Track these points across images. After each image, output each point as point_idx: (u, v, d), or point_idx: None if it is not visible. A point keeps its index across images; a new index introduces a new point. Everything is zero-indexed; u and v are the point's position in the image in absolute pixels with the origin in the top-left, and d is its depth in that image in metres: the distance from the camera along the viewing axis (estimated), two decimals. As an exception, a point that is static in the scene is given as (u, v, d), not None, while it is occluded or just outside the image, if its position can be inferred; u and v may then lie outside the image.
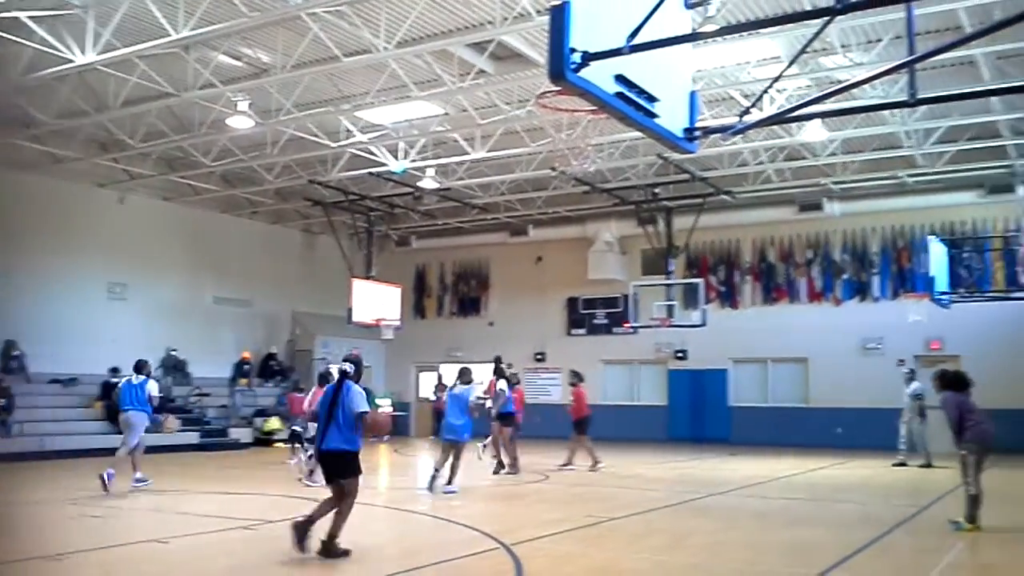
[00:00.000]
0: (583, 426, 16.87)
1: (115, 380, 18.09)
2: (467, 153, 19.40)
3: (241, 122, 16.58)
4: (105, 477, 12.06)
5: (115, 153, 20.08)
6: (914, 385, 17.80)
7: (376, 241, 24.68)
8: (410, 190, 22.62)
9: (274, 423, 23.49)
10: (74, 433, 19.17)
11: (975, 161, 20.17)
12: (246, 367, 24.95)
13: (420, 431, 28.66)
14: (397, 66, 15.11)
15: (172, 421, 21.28)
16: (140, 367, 13.39)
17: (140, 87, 15.79)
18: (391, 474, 17.83)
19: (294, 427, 17.05)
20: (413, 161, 19.95)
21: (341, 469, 8.16)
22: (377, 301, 23.49)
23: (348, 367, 8.57)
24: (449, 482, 13.08)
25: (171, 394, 22.64)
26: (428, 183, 21.44)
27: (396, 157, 19.87)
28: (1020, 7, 10.36)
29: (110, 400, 18.32)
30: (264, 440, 23.09)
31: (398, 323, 24.30)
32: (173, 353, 23.35)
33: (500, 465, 15.83)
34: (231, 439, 22.49)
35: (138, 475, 12.84)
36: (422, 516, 11.04)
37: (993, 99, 16.54)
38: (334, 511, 8.04)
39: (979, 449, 9.46)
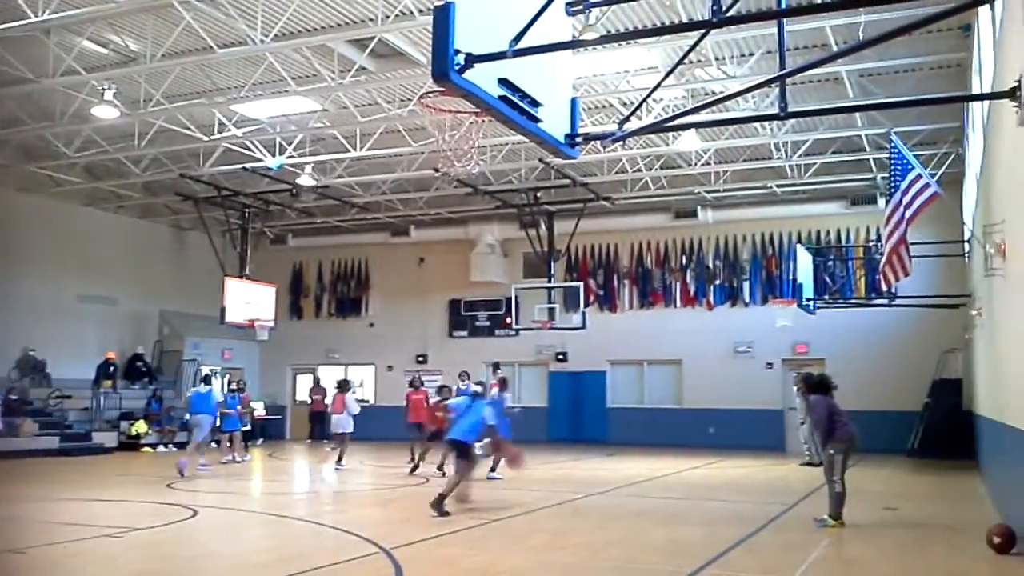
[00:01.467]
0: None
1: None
2: (347, 151, 19.09)
3: (106, 112, 15.78)
4: (180, 465, 15.67)
5: (-34, 141, 18.83)
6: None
7: (251, 239, 23.94)
8: (287, 187, 22.05)
9: (141, 426, 22.55)
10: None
11: (840, 173, 21.18)
12: (111, 368, 23.81)
13: (296, 434, 28.00)
14: (274, 60, 14.71)
15: (29, 425, 20.11)
16: (207, 379, 18.36)
17: (-4, 71, 14.87)
18: (265, 479, 17.35)
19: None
20: (290, 157, 19.48)
21: (464, 452, 11.08)
22: (251, 301, 22.79)
23: (478, 388, 12.40)
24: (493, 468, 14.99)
25: (28, 396, 21.44)
26: (306, 180, 20.95)
27: (273, 153, 19.37)
28: (883, 28, 10.94)
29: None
30: (130, 444, 22.11)
31: (273, 324, 23.66)
32: (31, 353, 22.11)
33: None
34: (95, 443, 21.45)
35: (203, 460, 17.05)
36: (299, 522, 10.78)
37: (857, 115, 17.41)
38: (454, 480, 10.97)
39: (847, 448, 9.96)
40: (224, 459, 18.63)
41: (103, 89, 15.29)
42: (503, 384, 15.65)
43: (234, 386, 20.55)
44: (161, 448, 22.54)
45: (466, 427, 11.28)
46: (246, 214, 23.78)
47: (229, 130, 17.97)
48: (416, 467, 16.10)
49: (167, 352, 26.44)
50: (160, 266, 26.38)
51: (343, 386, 18.25)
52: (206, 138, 18.30)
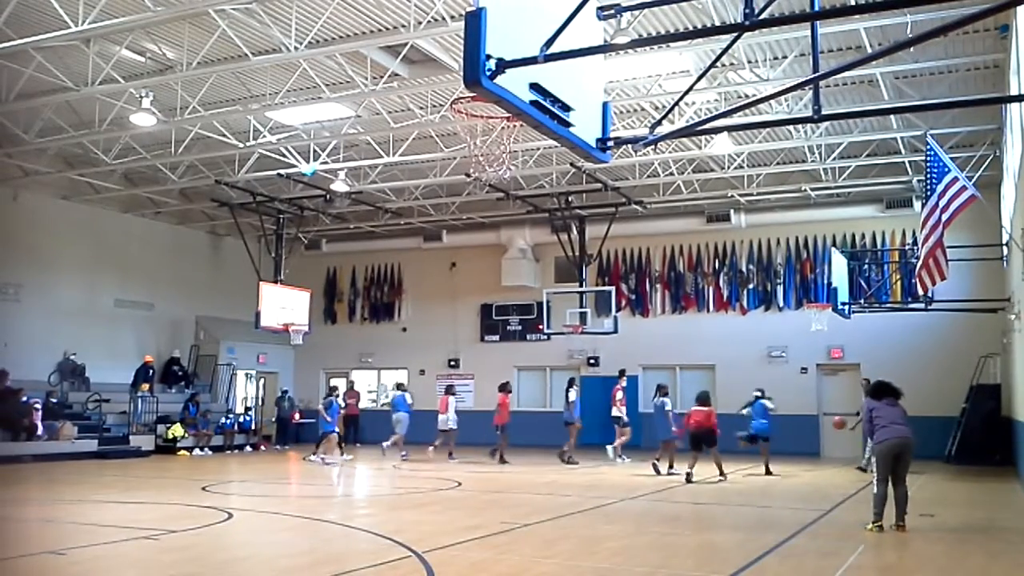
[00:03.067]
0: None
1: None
2: (380, 157, 19.21)
3: (144, 119, 16.04)
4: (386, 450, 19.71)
5: (8, 148, 19.16)
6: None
7: (285, 244, 24.17)
8: (321, 193, 22.25)
9: (177, 430, 22.80)
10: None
11: (875, 176, 20.97)
12: (150, 372, 24.14)
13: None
14: (308, 67, 14.87)
15: (68, 428, 20.44)
16: (400, 386, 22.19)
17: (36, 80, 15.17)
18: (300, 483, 17.49)
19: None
20: (324, 163, 19.65)
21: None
22: (286, 305, 22.98)
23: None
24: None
25: (68, 400, 21.81)
26: (339, 186, 21.14)
27: (306, 159, 19.55)
28: (918, 30, 10.86)
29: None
30: (167, 448, 22.39)
31: (307, 328, 23.85)
32: (71, 358, 22.46)
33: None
34: (132, 447, 21.73)
35: (404, 453, 20.25)
36: (332, 525, 10.84)
37: (892, 117, 17.23)
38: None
39: (887, 452, 9.88)
40: (311, 458, 19.81)
41: (141, 97, 15.56)
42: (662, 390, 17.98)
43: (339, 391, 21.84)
44: (197, 451, 22.80)
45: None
46: (281, 220, 24.02)
47: (264, 136, 18.18)
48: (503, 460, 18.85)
49: (203, 356, 26.74)
50: (196, 271, 26.72)
51: (449, 389, 21.12)
52: (241, 145, 18.54)
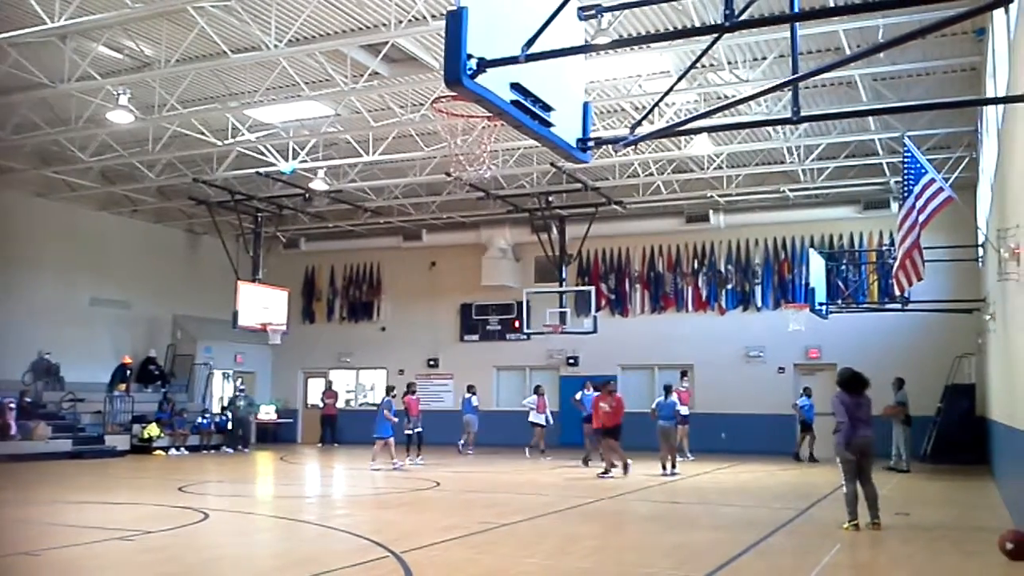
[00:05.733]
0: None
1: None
2: (359, 155, 19.14)
3: (121, 117, 15.89)
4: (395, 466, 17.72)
5: (-17, 145, 18.95)
6: (899, 393, 18.28)
7: (263, 243, 24.03)
8: (300, 191, 22.15)
9: (153, 429, 22.62)
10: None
11: (853, 177, 21.14)
12: (127, 372, 23.93)
13: (308, 438, 28.08)
14: (288, 65, 14.79)
15: (43, 428, 20.22)
16: (471, 388, 22.90)
17: (11, 76, 14.99)
18: (276, 483, 17.40)
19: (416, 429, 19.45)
20: (303, 162, 19.55)
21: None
22: (264, 305, 22.84)
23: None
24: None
25: (42, 399, 21.59)
26: (318, 185, 21.04)
27: (285, 157, 19.44)
28: (896, 33, 10.94)
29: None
30: (142, 448, 22.22)
31: (285, 328, 23.72)
32: (46, 357, 22.21)
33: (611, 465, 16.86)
34: (107, 447, 21.54)
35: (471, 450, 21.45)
36: (309, 525, 10.79)
37: (870, 118, 17.37)
38: None
39: (852, 451, 10.06)
40: (373, 467, 18.08)
41: (118, 94, 15.41)
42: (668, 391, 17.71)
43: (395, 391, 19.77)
44: (173, 451, 22.63)
45: None
46: (259, 218, 23.88)
47: (243, 135, 18.07)
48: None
49: (180, 356, 26.55)
50: (173, 270, 26.51)
51: (470, 388, 22.55)
52: (220, 143, 18.41)
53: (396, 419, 18.34)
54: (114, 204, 24.47)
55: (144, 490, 14.43)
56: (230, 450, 23.89)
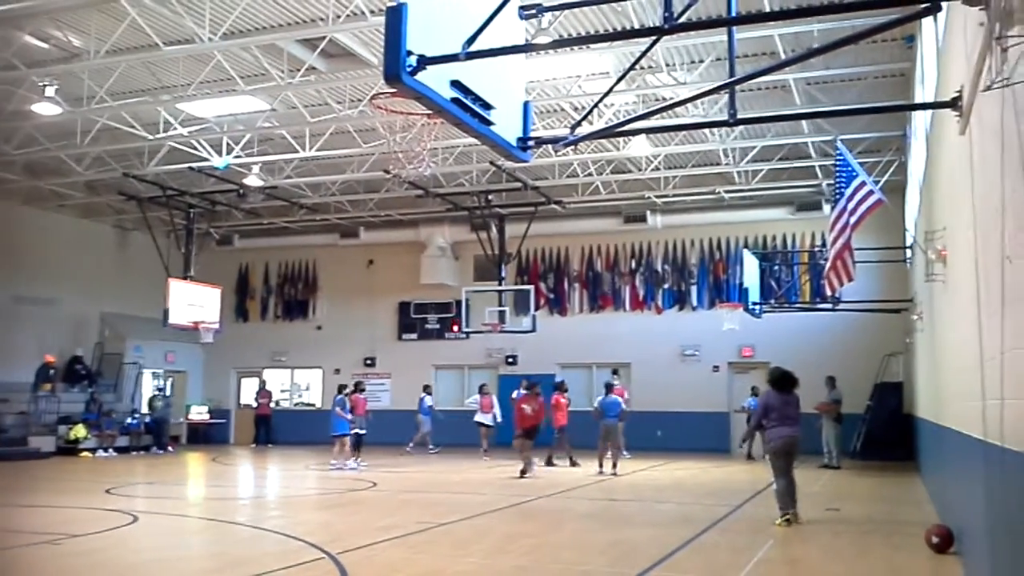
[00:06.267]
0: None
1: None
2: (296, 151, 18.86)
3: (47, 109, 15.40)
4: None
5: (-101, 136, 18.20)
6: (833, 391, 18.55)
7: (196, 239, 23.50)
8: (234, 187, 21.71)
9: (80, 430, 22.00)
10: None
11: (786, 180, 21.54)
12: (50, 371, 23.21)
13: (241, 439, 27.59)
14: (222, 58, 14.49)
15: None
16: (427, 388, 23.41)
17: (-70, 65, 14.43)
18: (208, 484, 17.06)
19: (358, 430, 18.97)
20: (237, 157, 19.17)
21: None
22: (196, 303, 22.35)
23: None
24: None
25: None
26: (253, 180, 20.66)
27: (219, 153, 19.05)
28: (830, 38, 11.14)
29: None
30: (69, 449, 21.59)
31: (217, 326, 23.26)
32: (-36, 356, 21.46)
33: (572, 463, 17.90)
34: (31, 448, 20.90)
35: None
36: (242, 527, 10.60)
37: (804, 122, 17.71)
38: None
39: (777, 449, 10.54)
40: (335, 465, 18.25)
41: (44, 85, 14.91)
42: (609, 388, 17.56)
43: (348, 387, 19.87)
44: (101, 452, 22.05)
45: None
46: (191, 214, 23.37)
47: (175, 129, 17.65)
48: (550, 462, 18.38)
49: (108, 355, 25.85)
50: (102, 267, 25.79)
51: (426, 388, 22.79)
52: (151, 137, 17.95)
53: (350, 416, 18.58)
54: (40, 199, 23.68)
55: (71, 493, 14.00)
56: (160, 451, 23.35)
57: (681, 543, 8.98)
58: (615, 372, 22.06)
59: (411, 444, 22.20)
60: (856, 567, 8.01)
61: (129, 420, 23.58)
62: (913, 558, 8.24)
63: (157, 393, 24.83)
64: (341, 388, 19.63)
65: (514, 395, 20.67)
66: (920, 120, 13.04)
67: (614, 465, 16.83)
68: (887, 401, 20.46)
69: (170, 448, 24.13)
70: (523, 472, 16.28)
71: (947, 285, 8.47)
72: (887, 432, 19.81)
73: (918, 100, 12.78)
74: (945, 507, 9.74)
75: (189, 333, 23.18)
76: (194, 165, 19.79)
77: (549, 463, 18.52)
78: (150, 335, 25.47)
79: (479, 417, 21.34)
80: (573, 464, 18.40)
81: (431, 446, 22.31)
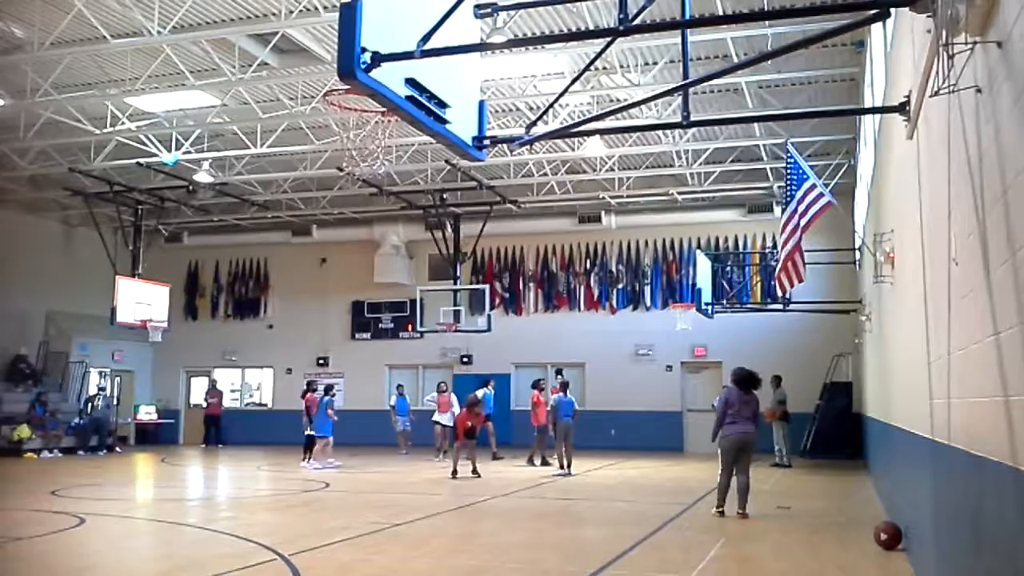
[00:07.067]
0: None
1: None
2: (247, 148, 18.61)
3: (-10, 101, 15.02)
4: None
5: None
6: (777, 391, 18.70)
7: (144, 236, 23.09)
8: (183, 183, 21.36)
9: (24, 431, 21.48)
10: None
11: (738, 182, 21.78)
12: (-9, 371, 22.66)
13: (190, 439, 27.16)
14: (172, 52, 14.23)
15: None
16: (400, 388, 23.06)
17: None
18: (157, 486, 16.77)
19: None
20: (187, 153, 18.85)
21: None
22: (144, 301, 21.96)
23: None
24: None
25: None
26: (203, 177, 20.35)
27: (168, 148, 18.71)
28: (782, 42, 11.29)
29: None
30: (12, 450, 21.06)
31: (166, 324, 22.87)
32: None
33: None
34: (-29, 450, 20.35)
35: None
36: (192, 528, 10.43)
37: (755, 125, 17.93)
38: None
39: (728, 445, 10.96)
40: (315, 466, 18.18)
41: (-15, 77, 14.53)
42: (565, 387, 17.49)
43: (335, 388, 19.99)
44: (46, 453, 21.55)
45: None
46: (139, 211, 22.94)
47: (122, 123, 17.31)
48: (545, 462, 18.03)
49: (53, 353, 25.27)
50: (47, 264, 25.17)
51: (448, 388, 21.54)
52: (98, 131, 17.56)
53: (336, 418, 18.64)
54: (-19, 193, 23.10)
55: (15, 494, 13.63)
56: (100, 452, 22.81)
57: (635, 542, 9.03)
58: (559, 372, 21.78)
59: (405, 450, 21.93)
60: (806, 564, 8.12)
61: (76, 420, 23.07)
62: (862, 555, 8.38)
63: (97, 392, 24.25)
64: (328, 388, 19.36)
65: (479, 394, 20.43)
66: (869, 124, 13.28)
67: (569, 464, 16.86)
68: (836, 400, 20.78)
69: (118, 448, 23.66)
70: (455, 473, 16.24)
71: (895, 287, 8.63)
72: (836, 431, 20.13)
73: (867, 104, 13.01)
74: (893, 505, 9.92)
75: (137, 332, 22.77)
76: (142, 160, 19.43)
77: (544, 463, 18.16)
78: (97, 333, 24.96)
79: (437, 417, 20.61)
80: (544, 464, 18.14)
81: (404, 448, 22.04)
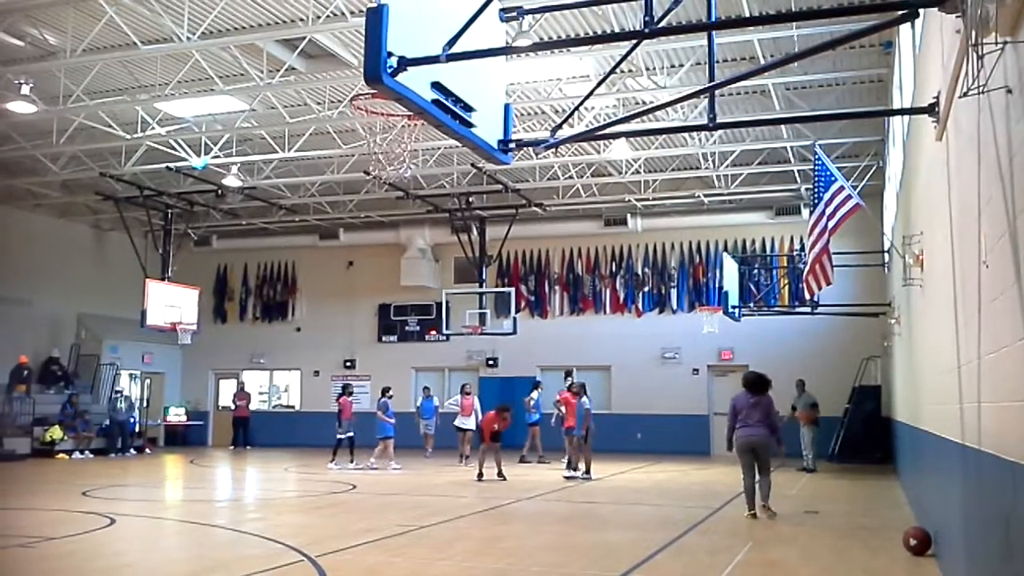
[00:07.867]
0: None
1: None
2: (275, 152, 18.75)
3: (23, 107, 15.20)
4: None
5: None
6: (804, 395, 18.60)
7: (173, 240, 23.34)
8: (212, 187, 21.57)
9: (56, 432, 21.77)
10: None
11: (765, 184, 21.64)
12: (25, 372, 22.94)
13: (219, 441, 27.40)
14: (201, 58, 14.39)
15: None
16: (428, 389, 22.65)
17: (-97, 62, 14.23)
18: (186, 487, 16.93)
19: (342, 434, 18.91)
20: (215, 157, 19.05)
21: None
22: (174, 304, 22.19)
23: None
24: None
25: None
26: (232, 181, 20.55)
27: (198, 153, 18.92)
28: (809, 44, 11.21)
29: None
30: (45, 451, 21.35)
31: (195, 327, 23.09)
32: (-62, 357, 21.17)
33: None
34: (6, 450, 20.62)
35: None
36: (221, 529, 10.52)
37: (783, 127, 17.82)
38: None
39: (741, 450, 11.06)
40: (372, 465, 18.45)
41: (20, 83, 14.73)
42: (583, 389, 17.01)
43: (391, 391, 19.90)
44: (77, 454, 21.83)
45: None
46: (169, 215, 23.21)
47: (153, 128, 17.52)
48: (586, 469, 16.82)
49: (84, 356, 25.59)
50: (78, 267, 25.53)
51: (462, 389, 20.80)
52: (128, 136, 17.79)
53: (393, 420, 18.68)
54: (15, 198, 23.43)
55: (46, 495, 13.83)
56: (123, 454, 22.99)
57: (661, 546, 8.99)
58: (568, 374, 21.14)
59: (430, 450, 21.75)
60: (834, 569, 8.05)
61: (106, 422, 23.34)
62: (891, 561, 8.29)
63: (117, 395, 24.44)
64: (385, 391, 19.48)
65: (534, 396, 20.42)
66: (898, 125, 13.15)
67: (587, 469, 16.72)
68: (865, 404, 20.57)
69: (147, 450, 23.91)
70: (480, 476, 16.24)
71: (924, 289, 8.53)
72: (865, 435, 19.94)
73: (896, 106, 12.89)
74: (922, 510, 9.81)
75: (167, 334, 23.01)
76: (172, 165, 19.66)
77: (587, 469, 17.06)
78: (127, 336, 25.25)
79: (459, 421, 19.85)
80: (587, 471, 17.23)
81: (429, 450, 21.83)
